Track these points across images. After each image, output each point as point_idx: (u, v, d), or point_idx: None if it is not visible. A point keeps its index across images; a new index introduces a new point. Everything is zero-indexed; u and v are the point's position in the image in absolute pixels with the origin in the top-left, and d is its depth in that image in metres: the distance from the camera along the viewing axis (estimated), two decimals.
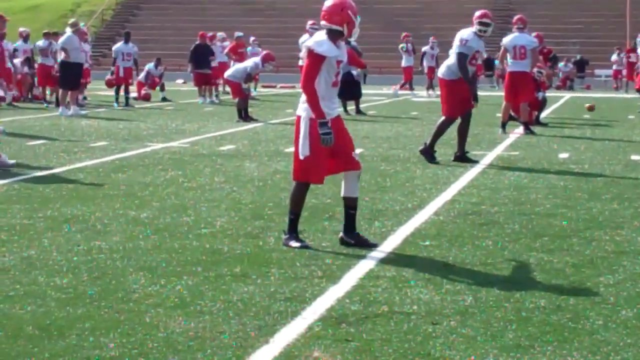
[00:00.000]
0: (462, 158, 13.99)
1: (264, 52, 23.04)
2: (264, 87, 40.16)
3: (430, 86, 35.28)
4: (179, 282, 6.65)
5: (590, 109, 22.65)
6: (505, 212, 9.72)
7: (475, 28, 14.07)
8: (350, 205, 8.04)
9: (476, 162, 13.83)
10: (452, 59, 13.94)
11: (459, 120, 14.10)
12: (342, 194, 8.10)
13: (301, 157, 7.85)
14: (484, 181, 12.04)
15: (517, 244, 8.18)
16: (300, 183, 8.03)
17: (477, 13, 14.32)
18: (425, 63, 35.62)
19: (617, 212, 9.82)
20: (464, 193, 11.04)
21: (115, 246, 7.83)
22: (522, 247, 8.03)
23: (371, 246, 7.91)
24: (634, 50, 40.76)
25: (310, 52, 7.83)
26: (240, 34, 33.87)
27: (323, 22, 7.94)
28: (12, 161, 12.92)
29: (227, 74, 22.91)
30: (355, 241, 7.95)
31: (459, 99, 13.81)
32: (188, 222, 8.95)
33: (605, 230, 8.83)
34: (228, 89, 34.77)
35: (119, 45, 28.25)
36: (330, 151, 7.85)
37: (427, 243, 8.17)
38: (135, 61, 27.88)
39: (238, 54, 31.21)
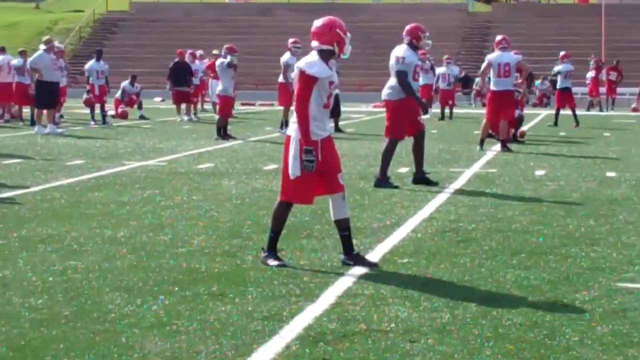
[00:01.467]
0: (422, 180, 13.38)
1: (225, 46, 23.15)
2: (242, 104, 40.14)
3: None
4: (155, 302, 6.62)
5: (522, 134, 22.44)
6: (482, 229, 9.74)
7: (407, 41, 13.37)
8: (343, 227, 8.00)
9: (436, 183, 13.28)
10: (393, 79, 13.30)
11: (409, 142, 13.59)
12: (332, 218, 8.07)
13: (291, 177, 7.81)
14: (462, 198, 12.06)
15: (494, 261, 8.20)
16: (284, 202, 8.00)
17: (409, 27, 13.56)
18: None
19: (593, 229, 9.86)
20: (442, 210, 11.06)
21: (91, 266, 7.79)
22: (499, 264, 8.05)
23: (371, 265, 7.89)
24: (614, 68, 41.03)
25: (302, 74, 7.81)
26: (217, 51, 33.84)
27: (314, 43, 7.94)
28: None
29: (218, 90, 23.00)
30: (355, 262, 7.91)
31: (406, 119, 13.25)
32: (165, 241, 8.92)
33: (581, 246, 8.87)
34: (207, 106, 34.95)
35: (91, 63, 28.11)
36: (319, 172, 7.82)
37: (405, 260, 8.18)
38: (106, 79, 27.81)
39: (215, 71, 31.16)
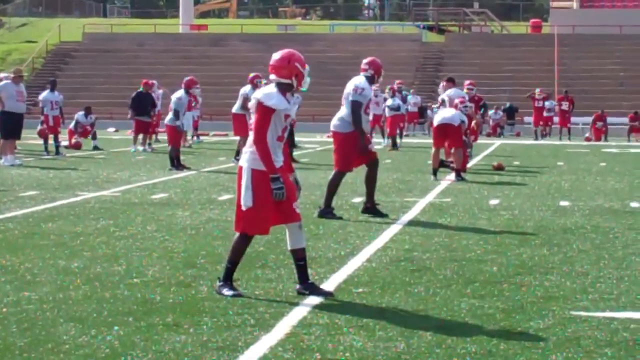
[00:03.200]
0: (372, 210, 13.24)
1: (186, 79, 23.02)
2: (196, 135, 40.03)
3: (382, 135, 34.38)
4: (110, 333, 6.59)
5: (499, 167, 22.22)
6: (436, 259, 9.79)
7: (368, 74, 13.17)
8: (299, 257, 8.00)
9: (385, 215, 13.15)
10: (344, 110, 13.04)
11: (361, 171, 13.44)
12: (289, 248, 8.07)
13: (243, 208, 7.81)
14: (416, 228, 12.12)
15: (449, 290, 8.24)
16: (243, 234, 7.98)
17: (372, 59, 13.39)
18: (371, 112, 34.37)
19: (547, 258, 9.95)
20: (396, 240, 11.10)
21: (45, 297, 7.73)
22: (453, 293, 8.09)
23: (326, 295, 7.90)
24: (565, 97, 41.53)
25: (259, 105, 7.83)
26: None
27: (272, 76, 7.97)
28: None
29: (166, 120, 22.85)
30: (310, 291, 7.92)
31: (354, 151, 13.05)
32: (119, 272, 8.88)
33: (534, 275, 8.94)
34: (160, 137, 34.76)
35: (45, 94, 27.89)
36: (273, 202, 7.83)
37: (360, 290, 8.20)
38: (60, 110, 27.62)
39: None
